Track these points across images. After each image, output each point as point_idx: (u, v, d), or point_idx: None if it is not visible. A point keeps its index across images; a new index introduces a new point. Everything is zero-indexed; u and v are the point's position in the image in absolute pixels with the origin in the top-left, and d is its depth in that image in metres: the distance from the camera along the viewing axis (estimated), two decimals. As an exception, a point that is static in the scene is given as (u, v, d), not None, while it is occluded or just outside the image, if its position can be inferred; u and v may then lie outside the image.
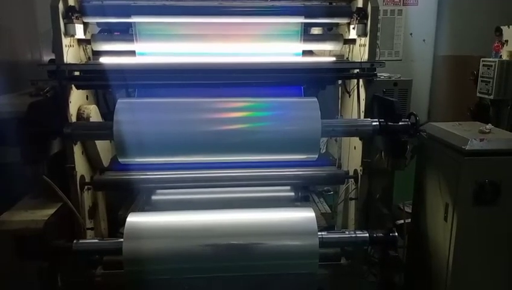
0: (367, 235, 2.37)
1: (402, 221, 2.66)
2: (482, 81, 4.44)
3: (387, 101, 2.40)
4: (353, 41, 2.74)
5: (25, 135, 2.15)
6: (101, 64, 2.57)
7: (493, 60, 4.31)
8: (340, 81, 2.91)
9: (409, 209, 2.96)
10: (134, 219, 2.32)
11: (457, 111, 5.42)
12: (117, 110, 2.24)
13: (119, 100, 2.31)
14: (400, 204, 3.14)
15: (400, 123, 2.28)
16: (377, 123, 2.34)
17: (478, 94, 4.53)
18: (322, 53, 3.03)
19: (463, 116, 4.32)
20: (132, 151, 2.24)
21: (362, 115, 2.58)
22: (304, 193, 3.10)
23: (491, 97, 4.33)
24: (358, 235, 2.38)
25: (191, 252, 2.23)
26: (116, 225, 2.86)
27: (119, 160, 2.31)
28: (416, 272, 2.72)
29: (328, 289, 2.71)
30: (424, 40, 6.46)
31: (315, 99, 2.36)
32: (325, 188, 4.00)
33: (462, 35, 6.17)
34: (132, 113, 2.29)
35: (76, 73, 2.50)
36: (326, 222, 2.87)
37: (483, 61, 4.42)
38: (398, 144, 2.27)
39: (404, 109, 2.59)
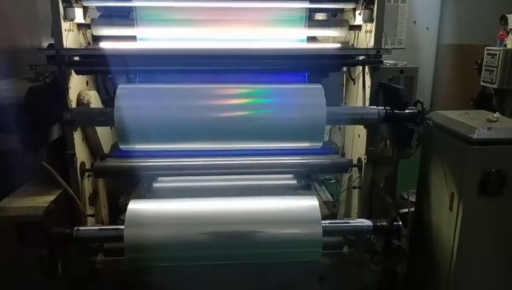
0: (371, 224, 2.34)
1: (405, 210, 2.63)
2: (486, 70, 4.40)
3: (393, 88, 2.36)
4: (358, 27, 2.69)
5: (24, 120, 2.10)
6: (101, 49, 2.51)
7: (498, 48, 4.27)
8: (344, 68, 2.86)
9: (412, 198, 2.95)
10: (135, 206, 2.29)
11: (460, 100, 5.38)
12: (118, 95, 2.20)
13: (119, 86, 2.27)
14: (403, 193, 3.12)
15: (406, 111, 2.24)
16: (383, 111, 2.30)
17: (482, 83, 4.48)
18: (325, 40, 2.98)
19: (466, 106, 4.28)
20: (133, 138, 2.20)
21: (367, 102, 2.53)
22: (306, 181, 3.07)
23: (495, 86, 4.30)
24: (361, 223, 2.35)
25: (193, 239, 2.21)
26: (117, 212, 2.85)
27: (120, 147, 2.27)
28: (419, 261, 2.70)
29: (329, 278, 2.71)
30: (427, 28, 6.40)
31: (320, 86, 2.31)
32: (327, 176, 3.98)
33: (466, 23, 6.10)
34: (133, 99, 2.25)
35: (76, 58, 2.46)
36: (329, 210, 2.84)
37: (487, 50, 4.37)
38: (404, 132, 2.23)
39: (410, 97, 2.54)
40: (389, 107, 2.30)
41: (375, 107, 2.36)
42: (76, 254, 2.47)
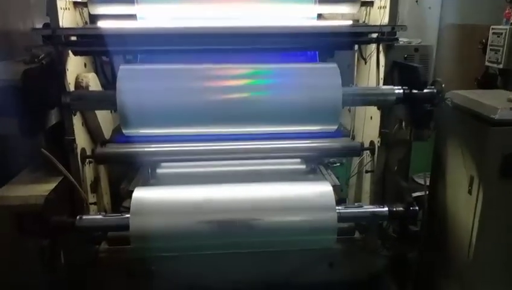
0: (386, 209, 2.25)
1: (417, 193, 2.55)
2: (491, 49, 4.26)
3: (410, 67, 2.24)
4: (371, 3, 2.56)
5: (21, 104, 1.98)
6: (100, 28, 2.37)
7: (504, 27, 4.12)
8: (356, 47, 2.73)
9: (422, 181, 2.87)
10: (141, 194, 2.18)
11: (463, 81, 5.27)
12: (120, 77, 2.06)
13: (121, 66, 2.13)
14: (414, 176, 3.04)
15: (425, 91, 2.12)
16: (401, 91, 2.19)
17: (487, 63, 4.36)
18: (332, 17, 2.84)
19: (469, 86, 4.18)
20: (137, 122, 2.07)
21: (381, 82, 2.42)
22: (312, 165, 2.96)
23: (501, 66, 4.17)
24: (377, 209, 2.26)
25: (203, 228, 2.11)
26: (119, 198, 2.75)
27: (124, 132, 2.15)
28: (432, 247, 2.62)
29: (340, 264, 2.64)
30: (429, 8, 6.25)
31: (335, 65, 2.18)
32: (331, 159, 3.87)
33: (469, 3, 5.96)
34: (137, 80, 2.11)
35: (74, 38, 2.32)
36: (336, 194, 2.74)
37: (493, 29, 4.23)
38: (423, 113, 2.12)
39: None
40: (406, 87, 2.19)
41: (392, 87, 2.24)
42: (78, 244, 2.37)
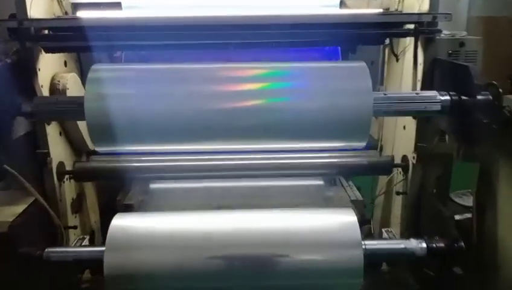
0: (424, 245, 1.81)
1: (458, 217, 2.10)
2: (530, 43, 3.78)
3: (458, 66, 1.78)
4: (405, -12, 2.11)
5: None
6: (76, 19, 2.02)
7: (546, 17, 3.64)
8: (387, 41, 2.27)
9: (463, 201, 2.42)
10: (120, 223, 1.79)
11: (495, 80, 4.80)
12: (90, 79, 1.65)
13: (93, 66, 1.72)
14: (452, 194, 2.58)
15: (479, 97, 1.65)
16: (448, 98, 1.73)
17: (526, 59, 3.87)
18: (357, 5, 2.39)
19: (503, 87, 3.72)
20: (111, 136, 1.63)
21: (419, 84, 1.97)
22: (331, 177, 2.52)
23: (542, 62, 3.67)
24: (412, 245, 1.82)
25: (196, 267, 1.70)
26: (113, 214, 2.36)
27: (95, 147, 1.75)
28: (474, 284, 2.16)
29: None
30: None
31: (364, 64, 1.73)
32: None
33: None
34: (111, 83, 1.68)
35: (46, 32, 1.94)
36: (358, 212, 2.31)
37: (533, 21, 3.75)
38: (476, 125, 1.65)
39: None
40: (454, 93, 1.73)
41: (436, 92, 1.78)
42: (54, 274, 2.00)
